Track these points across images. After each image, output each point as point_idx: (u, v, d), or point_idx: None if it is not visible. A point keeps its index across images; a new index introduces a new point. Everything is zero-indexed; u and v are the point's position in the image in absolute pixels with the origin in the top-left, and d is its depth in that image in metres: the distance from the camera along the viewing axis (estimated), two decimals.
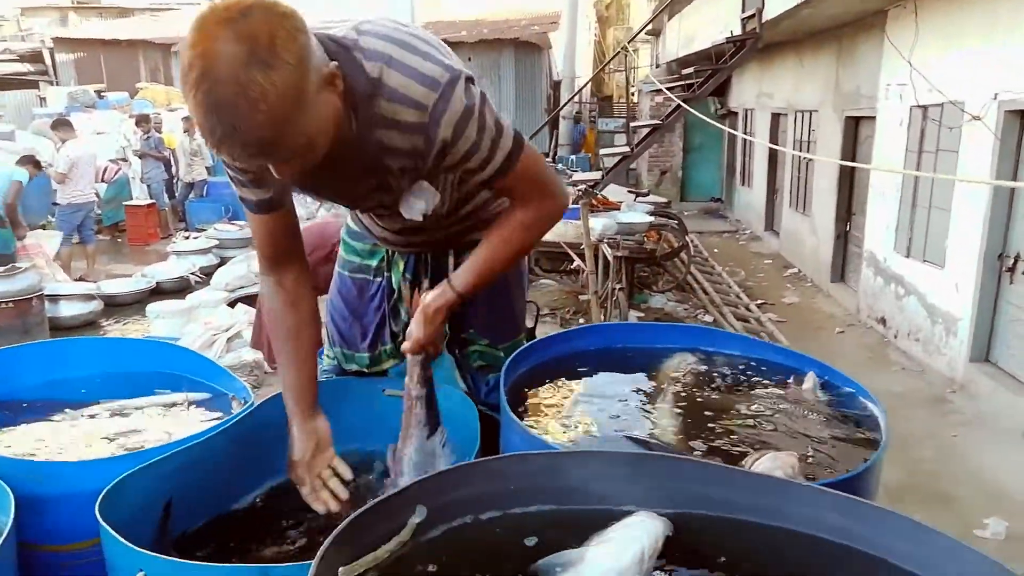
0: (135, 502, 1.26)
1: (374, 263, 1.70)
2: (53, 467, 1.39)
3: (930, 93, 5.56)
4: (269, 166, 1.12)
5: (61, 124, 8.51)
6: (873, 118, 6.86)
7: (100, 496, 1.20)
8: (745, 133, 12.06)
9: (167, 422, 1.65)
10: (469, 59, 17.40)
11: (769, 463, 1.15)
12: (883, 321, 6.53)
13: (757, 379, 1.53)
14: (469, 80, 1.23)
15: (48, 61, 17.60)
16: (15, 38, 20.30)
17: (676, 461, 1.05)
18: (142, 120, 11.32)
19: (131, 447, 1.50)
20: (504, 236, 1.38)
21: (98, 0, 23.83)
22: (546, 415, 1.44)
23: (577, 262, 6.57)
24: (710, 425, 1.37)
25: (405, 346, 1.41)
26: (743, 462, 1.19)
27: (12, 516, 1.24)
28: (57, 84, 16.90)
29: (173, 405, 1.72)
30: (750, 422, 1.37)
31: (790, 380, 1.51)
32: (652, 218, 7.09)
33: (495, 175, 1.29)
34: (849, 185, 7.72)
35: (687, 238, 7.78)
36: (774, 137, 10.42)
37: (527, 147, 1.32)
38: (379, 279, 1.71)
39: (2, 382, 1.76)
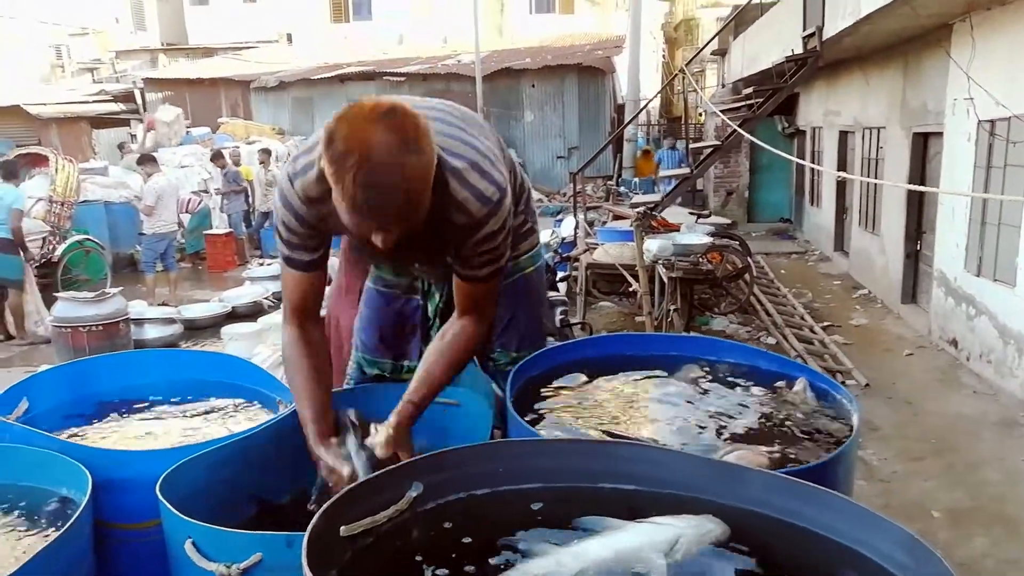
0: (190, 485, 1.45)
1: (403, 281, 1.90)
2: (124, 455, 1.61)
3: (996, 108, 5.42)
4: (374, 240, 1.34)
5: (146, 160, 9.07)
6: (941, 134, 6.69)
7: (160, 478, 1.39)
8: (813, 151, 11.86)
9: (223, 420, 1.85)
10: (533, 86, 17.76)
11: (734, 457, 1.24)
12: (955, 343, 6.31)
13: (753, 385, 1.61)
14: (509, 186, 1.55)
15: (139, 100, 18.91)
16: (110, 79, 21.88)
17: (640, 447, 1.16)
18: (217, 156, 11.96)
19: (190, 441, 1.70)
20: (451, 357, 1.59)
21: (185, 41, 25.49)
22: (556, 414, 1.56)
23: (634, 284, 6.63)
24: (702, 424, 1.46)
25: (378, 451, 1.44)
26: (717, 455, 1.28)
27: (88, 495, 1.44)
28: None
29: (229, 406, 1.93)
30: (740, 422, 1.45)
31: (782, 385, 1.59)
32: (711, 239, 7.07)
33: (480, 277, 1.57)
34: (919, 203, 7.51)
35: (749, 259, 7.71)
36: (842, 155, 10.22)
37: (501, 273, 1.62)
38: (405, 296, 1.90)
39: (88, 386, 2.01)
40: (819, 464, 1.18)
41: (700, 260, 6.57)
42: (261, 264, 9.74)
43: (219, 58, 22.05)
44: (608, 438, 1.37)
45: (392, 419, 1.50)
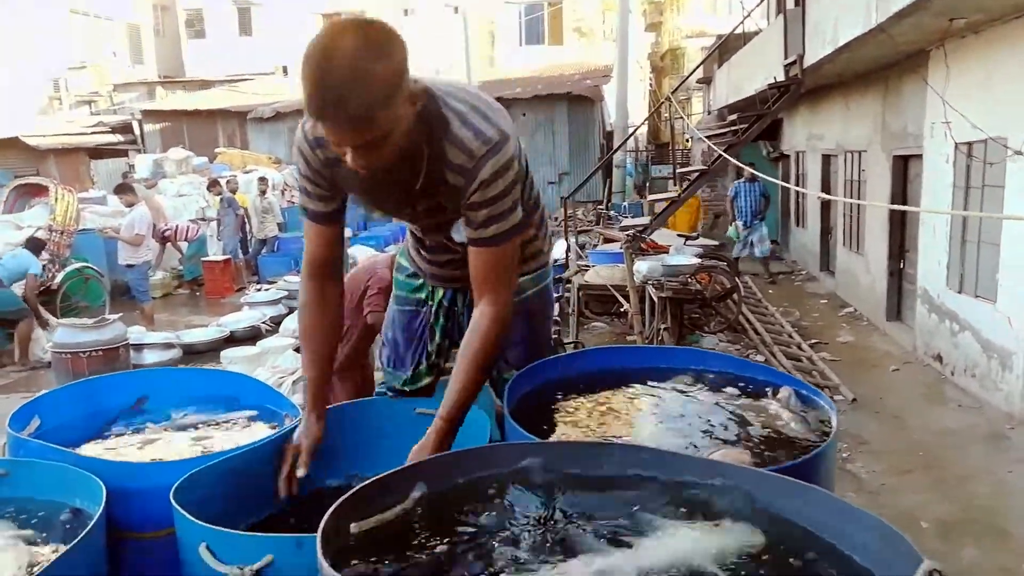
0: (202, 493, 1.53)
1: (421, 295, 1.99)
2: (137, 467, 1.68)
3: (973, 130, 5.59)
4: (345, 158, 1.35)
5: (125, 189, 8.87)
6: (920, 156, 6.87)
7: (174, 486, 1.47)
8: (797, 175, 12.07)
9: (230, 433, 1.93)
10: (524, 115, 18.01)
11: (719, 456, 1.33)
12: (939, 358, 6.43)
13: (740, 394, 1.71)
14: (517, 149, 1.54)
15: (137, 131, 19.09)
16: (108, 112, 22.07)
17: (635, 448, 1.25)
18: (213, 184, 12.16)
19: (200, 452, 1.78)
20: (474, 360, 1.54)
21: (182, 74, 25.78)
22: (553, 422, 1.65)
23: (625, 304, 6.74)
24: (692, 429, 1.55)
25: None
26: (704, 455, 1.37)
27: (103, 506, 1.50)
28: (144, 152, 18.29)
29: (235, 420, 2.01)
30: (728, 426, 1.55)
31: (768, 392, 1.68)
32: (699, 260, 7.21)
33: (487, 239, 1.52)
34: (901, 222, 7.68)
35: (737, 280, 7.85)
36: (826, 178, 10.42)
37: (514, 243, 1.56)
38: (424, 309, 1.99)
39: (97, 403, 2.09)
40: (800, 462, 1.27)
41: (689, 280, 6.69)
42: (259, 289, 9.80)
43: (216, 90, 22.30)
44: (605, 441, 1.46)
45: (425, 439, 1.50)
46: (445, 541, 1.14)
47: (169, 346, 7.27)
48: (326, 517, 1.03)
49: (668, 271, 6.62)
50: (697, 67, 11.95)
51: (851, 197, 8.92)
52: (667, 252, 7.77)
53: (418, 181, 1.52)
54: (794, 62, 7.94)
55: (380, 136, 1.33)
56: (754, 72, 10.10)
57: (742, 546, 1.05)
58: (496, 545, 1.13)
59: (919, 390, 6.18)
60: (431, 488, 1.21)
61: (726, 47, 12.32)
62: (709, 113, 15.85)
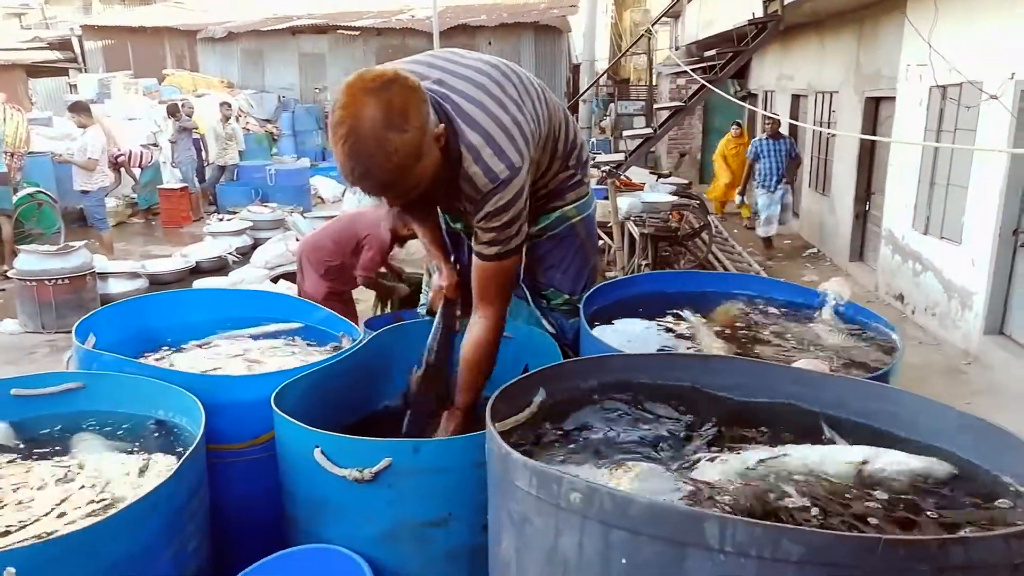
0: (293, 403, 1.55)
1: (459, 227, 2.01)
2: (232, 380, 1.70)
3: (949, 73, 5.73)
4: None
5: (81, 108, 8.19)
6: (893, 98, 7.02)
7: (274, 393, 1.50)
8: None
9: (287, 353, 1.95)
10: (489, 43, 17.60)
11: (804, 364, 1.43)
12: (901, 297, 6.75)
13: (793, 312, 1.81)
14: (524, 177, 1.59)
15: (77, 49, 17.95)
16: (40, 26, 20.64)
17: (732, 360, 1.33)
18: (173, 111, 11.55)
19: (271, 369, 1.80)
20: (475, 358, 1.68)
21: None
22: (628, 340, 1.72)
23: (604, 240, 6.82)
24: (757, 343, 1.65)
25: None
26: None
27: (203, 423, 1.50)
28: (86, 71, 17.26)
29: (286, 339, 2.03)
30: (792, 342, 1.65)
31: (817, 311, 1.79)
32: (675, 198, 7.33)
33: (489, 256, 1.64)
34: (869, 165, 7.90)
35: (708, 218, 8.01)
36: (794, 118, 10.56)
37: (515, 259, 1.68)
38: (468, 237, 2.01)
39: (147, 321, 2.07)
40: (884, 371, 1.37)
41: (668, 218, 6.82)
42: (221, 219, 9.53)
43: (160, 5, 21.01)
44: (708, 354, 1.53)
45: (444, 424, 1.65)
46: (576, 440, 1.21)
47: (135, 275, 7.06)
48: (488, 417, 1.09)
49: (647, 208, 6.73)
50: (675, 3, 11.80)
51: (820, 139, 9.10)
52: (641, 189, 7.87)
53: (439, 197, 1.64)
54: None
55: (410, 188, 1.44)
56: (728, 7, 10.06)
57: (906, 465, 1.14)
58: (622, 443, 1.20)
59: None
60: (551, 395, 1.28)
61: None
62: (676, 49, 15.76)
